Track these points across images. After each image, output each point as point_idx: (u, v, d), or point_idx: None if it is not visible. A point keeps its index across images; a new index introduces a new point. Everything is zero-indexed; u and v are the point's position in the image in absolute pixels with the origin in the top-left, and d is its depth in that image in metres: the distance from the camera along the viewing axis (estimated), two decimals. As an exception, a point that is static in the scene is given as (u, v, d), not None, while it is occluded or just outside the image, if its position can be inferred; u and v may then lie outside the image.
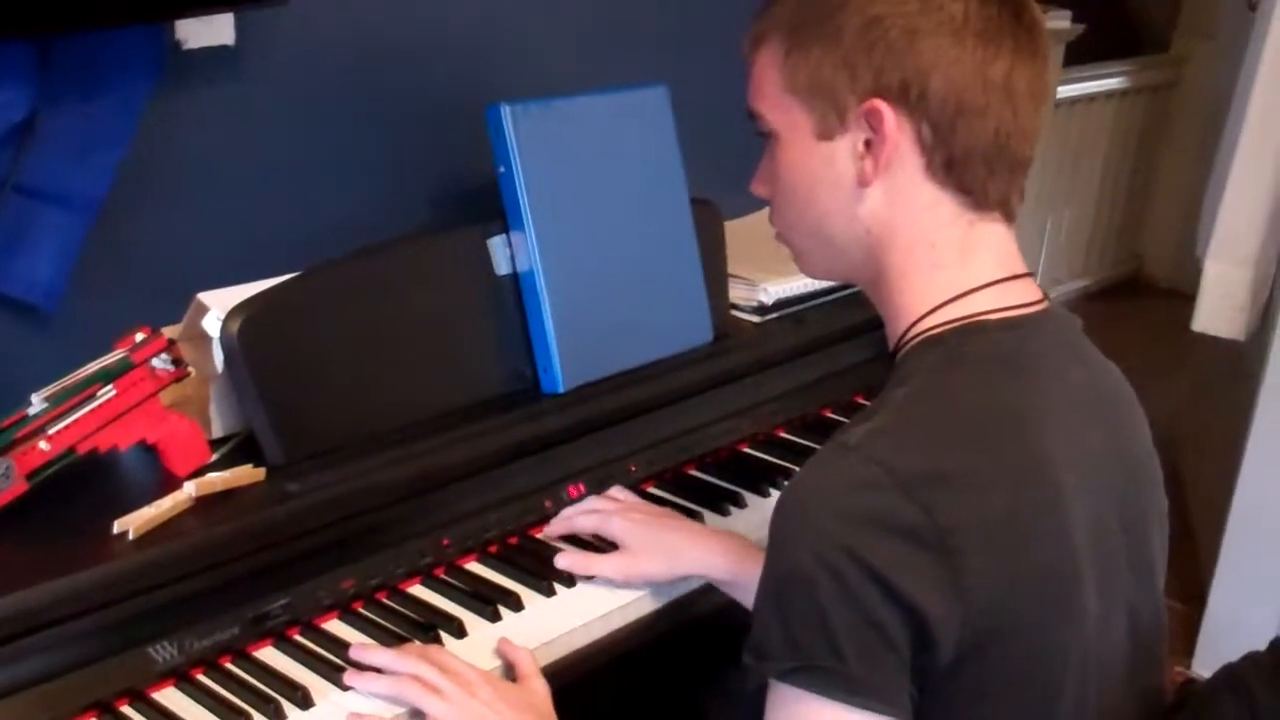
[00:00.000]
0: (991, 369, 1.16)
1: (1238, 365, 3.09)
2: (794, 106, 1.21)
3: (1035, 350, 1.19)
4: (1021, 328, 1.18)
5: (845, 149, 1.19)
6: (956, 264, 1.19)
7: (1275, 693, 1.12)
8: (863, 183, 1.19)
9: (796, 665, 1.07)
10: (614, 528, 1.61)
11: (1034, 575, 1.10)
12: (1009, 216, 1.21)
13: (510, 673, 1.42)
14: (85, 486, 1.44)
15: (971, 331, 1.17)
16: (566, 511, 1.67)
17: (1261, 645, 1.21)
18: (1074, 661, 1.14)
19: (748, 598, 1.54)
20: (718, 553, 1.56)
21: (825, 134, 1.20)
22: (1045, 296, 1.22)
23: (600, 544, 1.62)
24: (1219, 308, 2.79)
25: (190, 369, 1.48)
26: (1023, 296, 1.20)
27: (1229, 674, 1.17)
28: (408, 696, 1.33)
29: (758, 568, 1.51)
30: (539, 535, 1.66)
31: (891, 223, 1.20)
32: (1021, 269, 1.22)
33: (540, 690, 1.38)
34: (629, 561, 1.57)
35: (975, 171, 1.17)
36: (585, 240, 1.77)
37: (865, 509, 1.05)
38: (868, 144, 1.18)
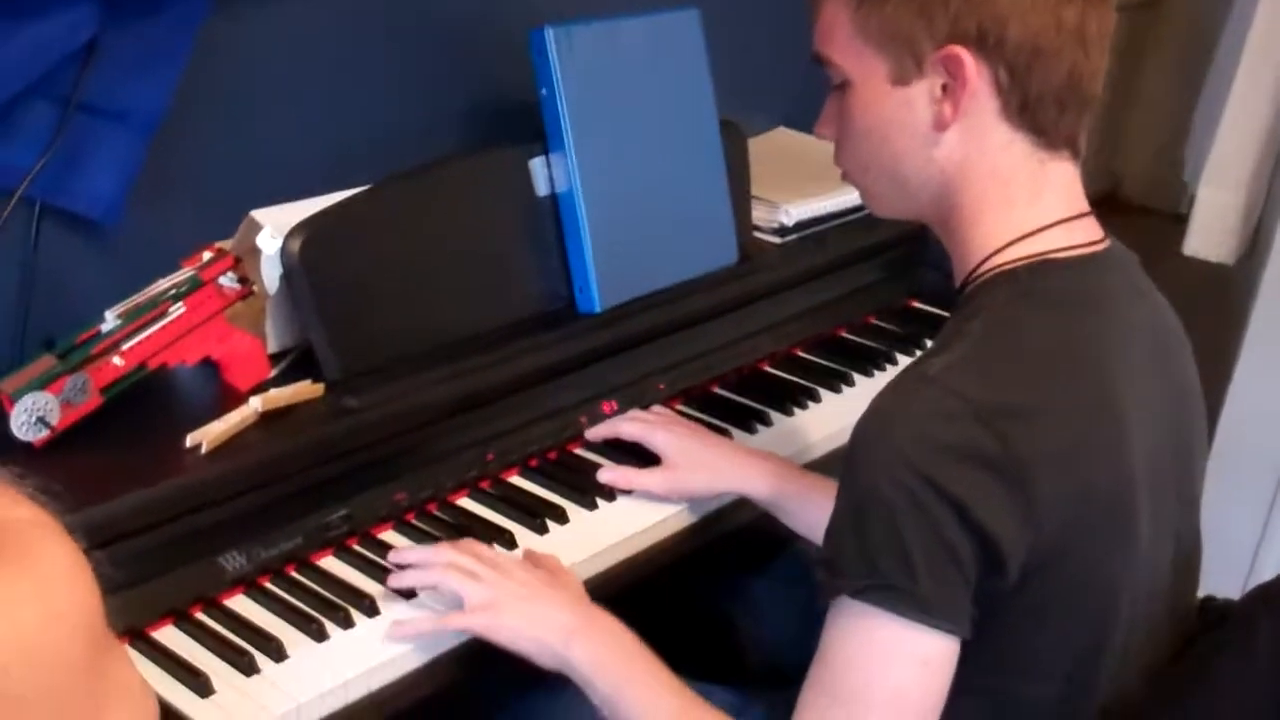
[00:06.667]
0: (1062, 306, 1.20)
1: (1222, 286, 3.13)
2: (867, 53, 1.22)
3: (1102, 288, 1.23)
4: (1089, 266, 1.22)
5: (922, 94, 1.21)
6: (1028, 202, 1.22)
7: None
8: (939, 126, 1.21)
9: (870, 584, 1.11)
10: (658, 440, 1.65)
11: (1096, 504, 1.16)
12: (1076, 155, 1.24)
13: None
14: (154, 400, 1.47)
15: (1042, 268, 1.21)
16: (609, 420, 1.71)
17: (1249, 559, 1.27)
18: (1126, 584, 1.20)
19: (785, 516, 1.60)
20: (758, 473, 1.60)
21: (901, 79, 1.21)
22: (1106, 234, 1.27)
23: (636, 460, 1.66)
24: (1210, 232, 2.81)
25: (254, 286, 1.51)
26: (1088, 234, 1.24)
27: (1264, 593, 1.23)
28: (447, 584, 1.37)
29: (796, 487, 1.58)
30: (577, 450, 1.71)
31: (966, 163, 1.22)
32: (1086, 208, 1.25)
33: (571, 576, 1.43)
34: (672, 476, 1.61)
35: (1048, 112, 1.20)
36: (621, 162, 1.79)
37: (945, 438, 1.10)
38: (945, 88, 1.20)
